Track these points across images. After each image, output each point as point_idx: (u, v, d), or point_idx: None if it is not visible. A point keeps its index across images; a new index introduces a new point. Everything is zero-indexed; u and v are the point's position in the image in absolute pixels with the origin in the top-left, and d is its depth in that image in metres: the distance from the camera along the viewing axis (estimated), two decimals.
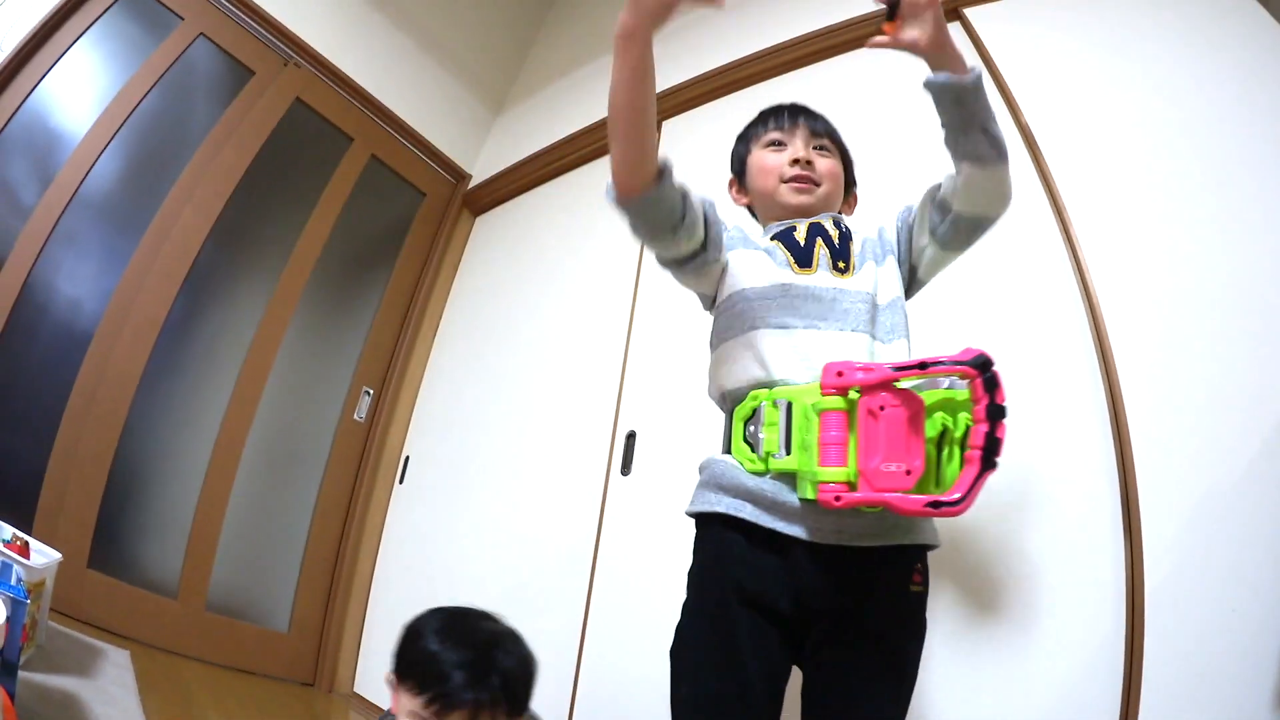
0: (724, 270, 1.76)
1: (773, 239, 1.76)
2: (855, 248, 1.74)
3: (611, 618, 2.79)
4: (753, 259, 1.73)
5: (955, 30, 2.85)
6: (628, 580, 2.82)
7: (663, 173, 1.58)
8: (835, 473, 1.32)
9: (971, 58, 2.74)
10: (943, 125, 1.59)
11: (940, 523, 1.60)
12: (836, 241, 1.73)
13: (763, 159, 1.86)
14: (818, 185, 1.80)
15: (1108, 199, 2.29)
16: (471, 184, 4.83)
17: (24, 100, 3.18)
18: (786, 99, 1.97)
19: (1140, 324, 2.08)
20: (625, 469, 3.02)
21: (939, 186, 1.67)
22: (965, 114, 1.54)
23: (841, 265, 1.69)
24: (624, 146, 1.58)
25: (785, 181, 1.80)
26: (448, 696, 1.59)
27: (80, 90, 3.39)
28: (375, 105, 4.42)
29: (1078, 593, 1.95)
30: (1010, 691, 1.96)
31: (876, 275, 1.68)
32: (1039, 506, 2.05)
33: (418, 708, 1.60)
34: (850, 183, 1.93)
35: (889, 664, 1.48)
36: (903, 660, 1.50)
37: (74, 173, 3.27)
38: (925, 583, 1.54)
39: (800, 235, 1.74)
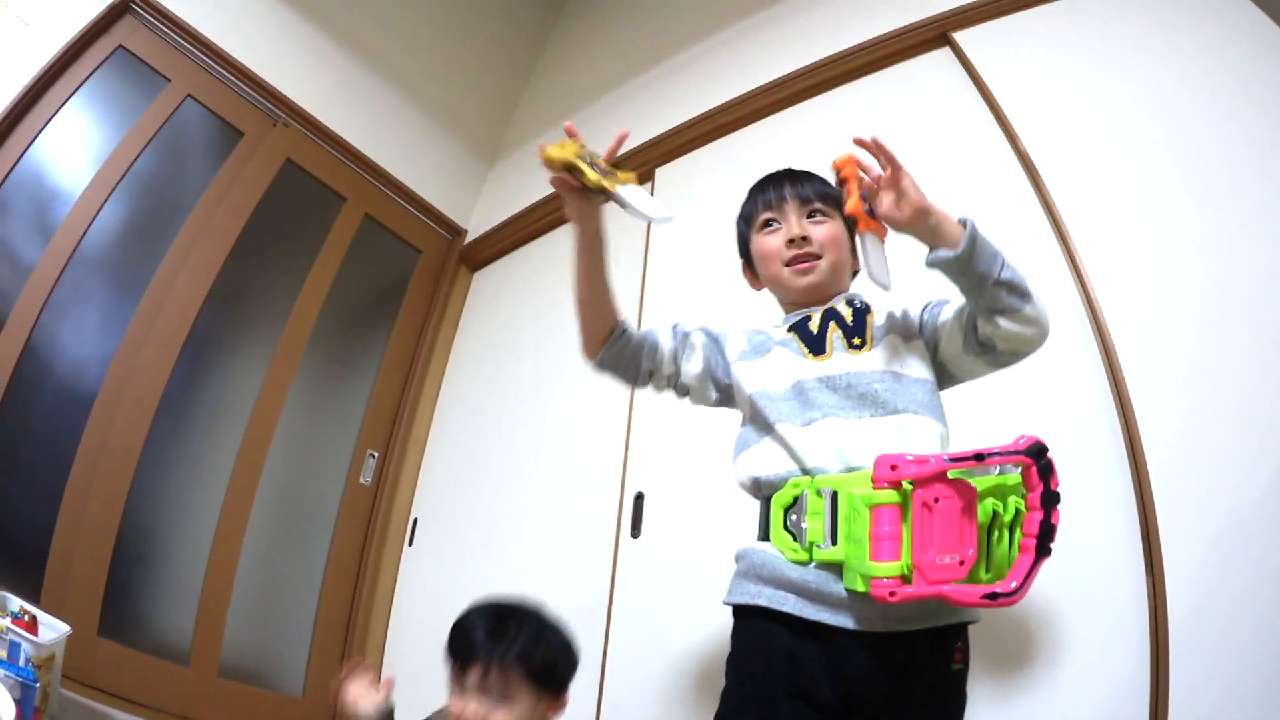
0: (728, 381, 1.83)
1: (789, 330, 1.77)
2: (876, 319, 1.73)
3: (628, 681, 2.75)
4: (769, 361, 1.74)
5: (945, 57, 2.86)
6: (644, 644, 2.78)
7: (611, 334, 1.79)
8: (888, 568, 1.31)
9: (962, 81, 2.74)
10: (956, 286, 1.58)
11: None
12: (850, 319, 1.73)
13: (762, 244, 1.85)
14: (819, 258, 1.78)
15: (1110, 218, 2.29)
16: (467, 239, 4.82)
17: (17, 161, 3.18)
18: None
19: (1151, 348, 2.08)
20: (635, 531, 2.98)
21: (972, 318, 1.61)
22: (973, 277, 1.51)
23: (857, 341, 1.69)
24: (578, 317, 1.84)
25: (787, 265, 1.80)
26: (463, 655, 1.81)
27: (73, 151, 3.39)
28: (366, 163, 4.42)
29: (1101, 630, 1.94)
30: None
31: (901, 351, 1.68)
32: (1058, 543, 2.04)
33: (451, 674, 1.83)
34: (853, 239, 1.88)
35: None
36: None
37: (69, 236, 3.27)
38: (966, 660, 1.54)
39: (814, 325, 1.74)
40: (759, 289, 1.96)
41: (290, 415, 3.93)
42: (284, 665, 3.82)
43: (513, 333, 4.23)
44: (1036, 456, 1.24)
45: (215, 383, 3.78)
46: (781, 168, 1.92)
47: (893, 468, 1.35)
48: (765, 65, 3.54)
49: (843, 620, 1.44)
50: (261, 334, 3.97)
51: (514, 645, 1.85)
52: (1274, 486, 1.82)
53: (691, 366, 1.82)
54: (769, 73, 3.49)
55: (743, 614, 1.61)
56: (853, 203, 1.53)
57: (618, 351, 1.80)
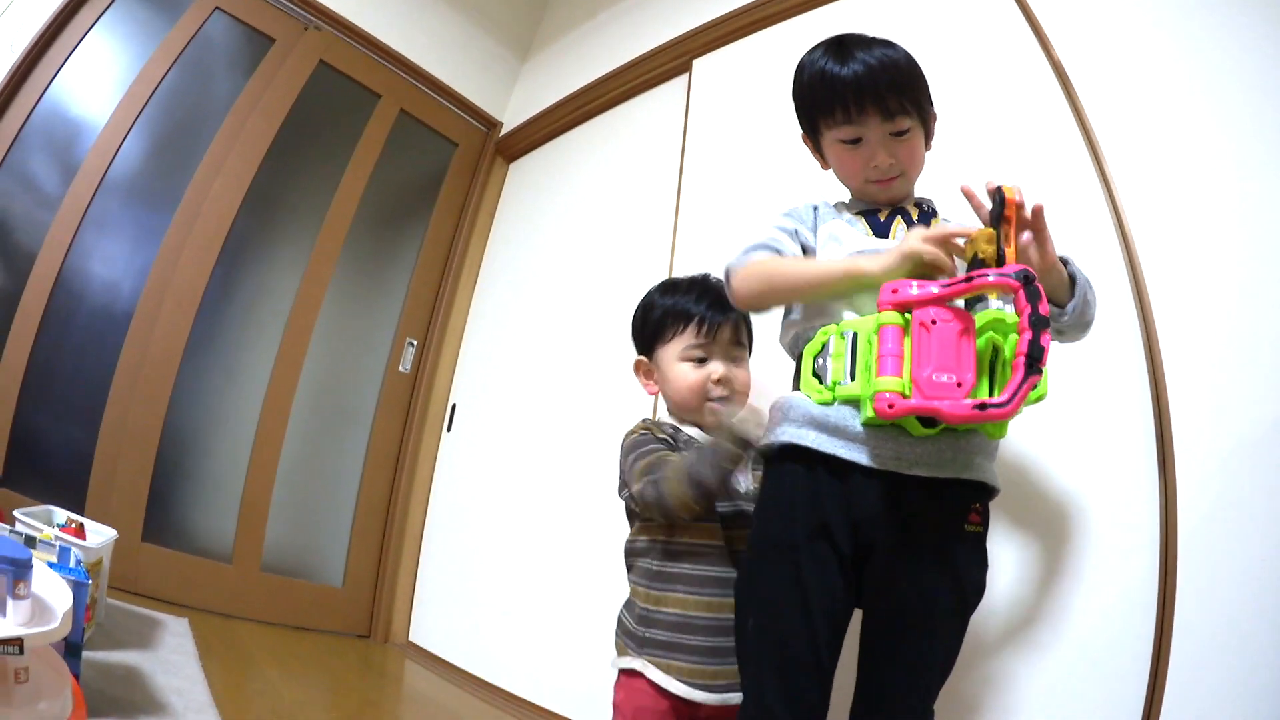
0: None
1: (857, 213, 1.75)
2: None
3: None
4: (832, 230, 1.72)
5: None
6: None
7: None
8: (890, 382, 1.33)
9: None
10: None
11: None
12: (916, 219, 1.71)
13: (840, 155, 1.74)
14: (901, 175, 1.71)
15: (1141, 128, 2.19)
16: (503, 131, 4.83)
17: (41, 95, 3.22)
18: (816, 35, 1.76)
19: (1177, 264, 2.01)
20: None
21: None
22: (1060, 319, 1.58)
23: None
24: (769, 300, 1.69)
25: (869, 182, 1.73)
26: (715, 313, 1.84)
27: (98, 78, 3.43)
28: (400, 60, 4.42)
29: (1112, 534, 1.93)
30: (1046, 628, 1.95)
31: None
32: (1074, 447, 2.03)
33: (691, 340, 1.84)
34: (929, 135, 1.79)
35: (944, 598, 1.47)
36: (958, 594, 1.49)
37: (100, 159, 3.33)
38: (984, 524, 1.53)
39: (882, 216, 1.73)
40: (826, 169, 1.85)
41: (329, 309, 4.00)
42: (324, 557, 3.94)
43: (548, 221, 4.25)
44: (1024, 281, 1.27)
45: (254, 284, 3.85)
46: (853, 60, 1.66)
47: (894, 291, 1.38)
48: None
49: (857, 455, 1.45)
50: (300, 233, 4.02)
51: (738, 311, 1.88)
52: None
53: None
54: None
55: (770, 459, 1.63)
56: (1011, 252, 1.41)
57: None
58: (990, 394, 1.32)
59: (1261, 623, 1.68)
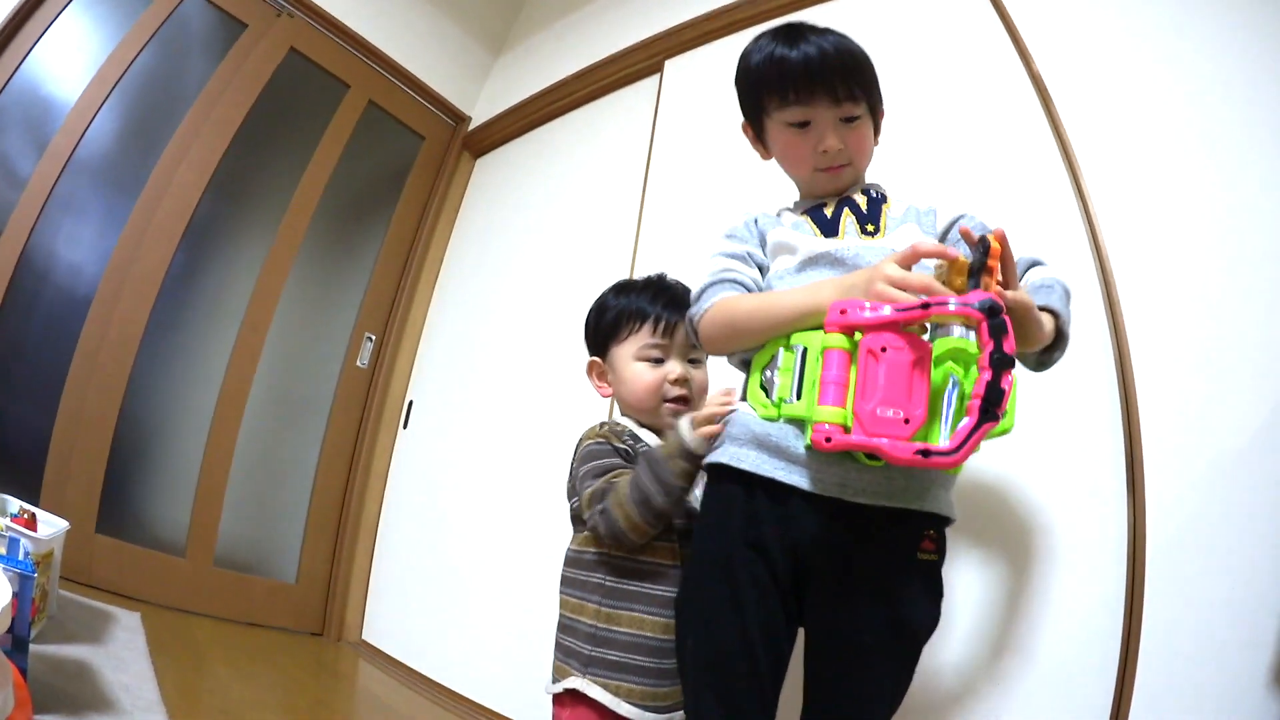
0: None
1: (803, 213, 1.70)
2: (892, 210, 1.67)
3: None
4: (779, 238, 1.67)
5: None
6: None
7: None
8: (831, 413, 1.26)
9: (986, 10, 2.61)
10: None
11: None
12: (865, 208, 1.66)
13: (788, 142, 1.70)
14: (849, 164, 1.68)
15: (1119, 143, 2.18)
16: (471, 126, 4.81)
17: (14, 72, 3.17)
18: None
19: (1151, 285, 1.99)
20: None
21: None
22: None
23: (870, 228, 1.62)
24: (736, 344, 1.61)
25: (820, 170, 1.69)
26: (670, 311, 1.83)
27: (71, 57, 3.37)
28: (371, 50, 4.38)
29: (1079, 553, 1.92)
30: (1011, 649, 1.94)
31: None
32: (1044, 463, 2.01)
33: (648, 340, 1.83)
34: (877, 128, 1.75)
35: (889, 632, 1.42)
36: (904, 629, 1.44)
37: (68, 139, 3.27)
38: (940, 551, 1.47)
39: (829, 211, 1.67)
40: (767, 159, 1.83)
41: (289, 300, 3.96)
42: (278, 552, 3.91)
43: (513, 218, 4.23)
44: (989, 314, 1.16)
45: (215, 271, 3.80)
46: (804, 43, 1.62)
47: (842, 312, 1.29)
48: None
49: (798, 479, 1.40)
50: (262, 222, 3.98)
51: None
52: (1263, 430, 1.77)
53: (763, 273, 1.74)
54: None
55: (711, 476, 1.58)
56: (995, 286, 1.30)
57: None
58: (945, 431, 1.23)
59: (1228, 644, 1.68)
